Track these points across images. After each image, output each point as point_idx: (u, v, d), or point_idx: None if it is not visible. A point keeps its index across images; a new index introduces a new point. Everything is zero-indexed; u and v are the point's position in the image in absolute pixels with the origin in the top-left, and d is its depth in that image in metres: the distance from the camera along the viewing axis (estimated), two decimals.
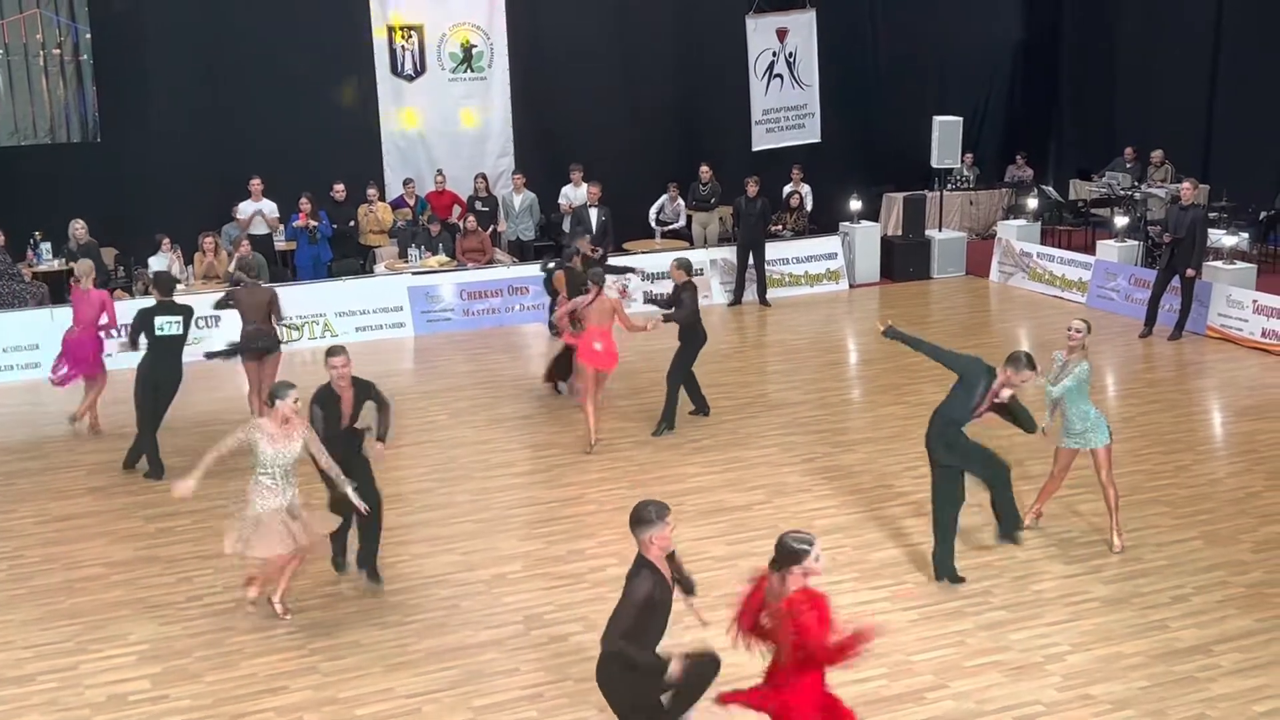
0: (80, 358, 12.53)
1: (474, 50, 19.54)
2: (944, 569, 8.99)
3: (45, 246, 16.65)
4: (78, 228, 15.79)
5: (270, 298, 12.16)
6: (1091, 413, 9.27)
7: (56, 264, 16.49)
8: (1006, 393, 8.68)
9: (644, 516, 6.17)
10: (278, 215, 17.25)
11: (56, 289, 16.29)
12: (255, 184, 17.11)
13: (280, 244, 17.52)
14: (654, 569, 6.13)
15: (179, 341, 11.42)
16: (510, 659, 8.08)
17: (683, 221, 19.40)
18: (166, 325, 11.32)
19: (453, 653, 8.15)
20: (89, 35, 17.17)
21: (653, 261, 17.17)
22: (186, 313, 11.52)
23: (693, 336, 12.18)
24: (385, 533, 9.15)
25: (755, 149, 21.05)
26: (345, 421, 8.72)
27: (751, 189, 17.55)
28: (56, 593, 9.15)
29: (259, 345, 12.10)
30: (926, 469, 11.17)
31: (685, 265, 12.30)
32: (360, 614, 8.69)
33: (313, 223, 16.92)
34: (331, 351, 8.68)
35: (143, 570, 9.48)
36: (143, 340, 11.44)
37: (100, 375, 12.67)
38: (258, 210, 17.09)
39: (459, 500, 10.76)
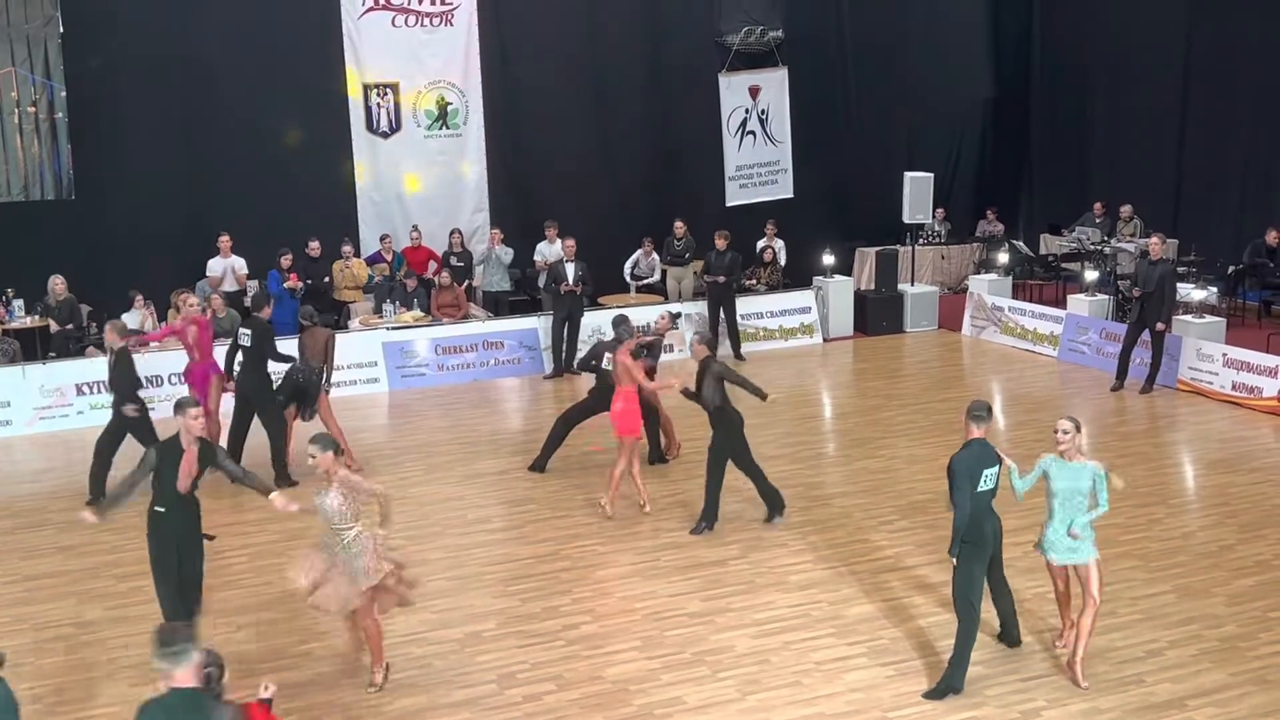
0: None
1: (449, 108, 19.67)
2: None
3: (18, 303, 16.61)
4: (57, 283, 15.80)
5: (328, 338, 13.01)
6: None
7: (29, 321, 16.45)
8: None
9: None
10: (246, 272, 17.29)
11: (29, 346, 16.24)
12: (224, 241, 17.15)
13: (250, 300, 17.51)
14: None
15: (251, 354, 12.52)
16: (483, 719, 8.02)
17: (657, 276, 19.53)
18: (243, 337, 12.60)
19: (426, 713, 8.08)
20: (64, 93, 17.18)
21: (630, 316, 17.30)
22: (257, 326, 12.54)
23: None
24: None
25: (729, 204, 21.26)
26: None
27: (720, 243, 17.66)
28: (26, 653, 9.02)
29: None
30: (901, 521, 11.28)
31: (707, 340, 11.37)
32: (333, 674, 8.61)
33: (299, 285, 17.00)
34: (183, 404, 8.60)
35: (113, 630, 9.38)
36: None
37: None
38: (228, 267, 17.12)
39: (433, 557, 10.70)
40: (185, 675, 5.24)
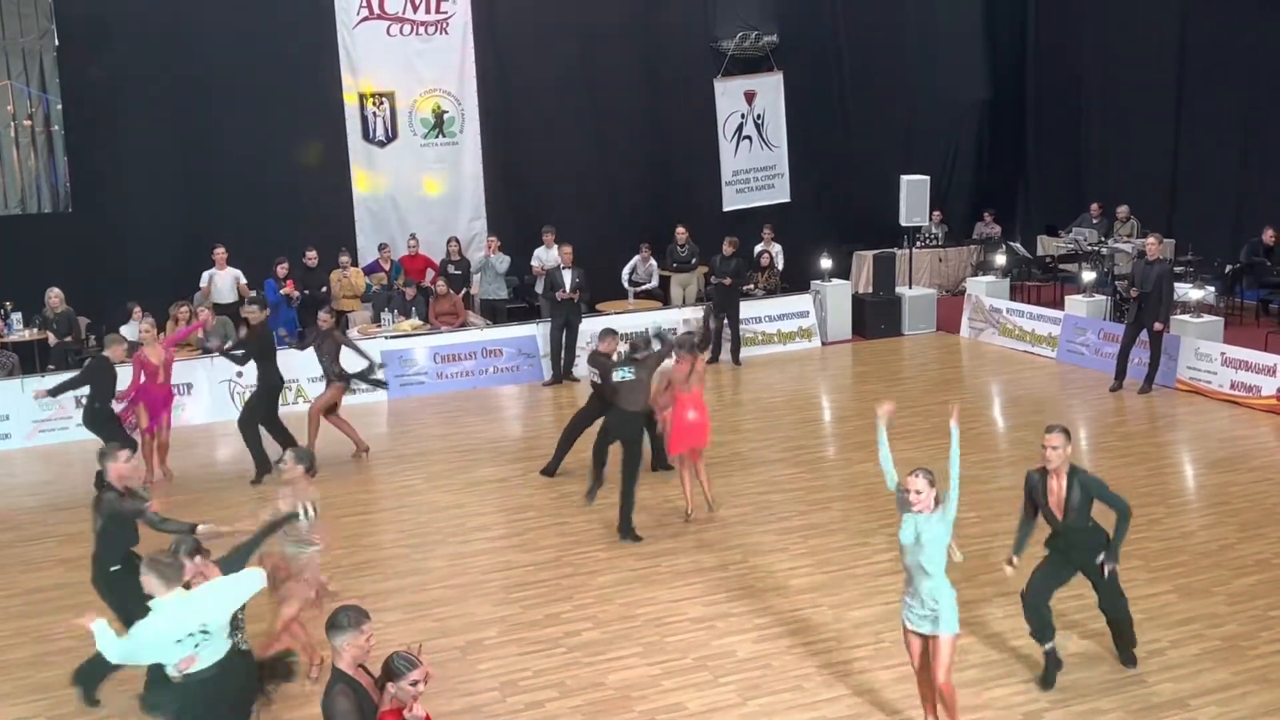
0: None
1: (445, 116, 19.69)
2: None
3: (16, 317, 16.62)
4: (53, 296, 15.79)
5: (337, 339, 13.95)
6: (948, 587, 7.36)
7: (27, 334, 16.46)
8: None
9: (336, 622, 5.72)
10: (245, 281, 17.33)
11: (27, 359, 16.24)
12: (219, 253, 17.18)
13: (245, 311, 17.53)
14: (349, 681, 5.69)
15: (238, 360, 13.53)
16: None
17: (655, 282, 19.53)
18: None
19: None
20: (60, 106, 17.20)
21: (627, 321, 17.31)
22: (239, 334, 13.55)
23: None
24: (360, 599, 9.04)
25: (726, 209, 21.28)
26: None
27: (728, 249, 17.67)
28: (26, 667, 9.03)
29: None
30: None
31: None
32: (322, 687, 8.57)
33: (295, 293, 17.00)
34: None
35: None
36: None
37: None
38: (224, 279, 17.18)
39: (434, 565, 10.71)
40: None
